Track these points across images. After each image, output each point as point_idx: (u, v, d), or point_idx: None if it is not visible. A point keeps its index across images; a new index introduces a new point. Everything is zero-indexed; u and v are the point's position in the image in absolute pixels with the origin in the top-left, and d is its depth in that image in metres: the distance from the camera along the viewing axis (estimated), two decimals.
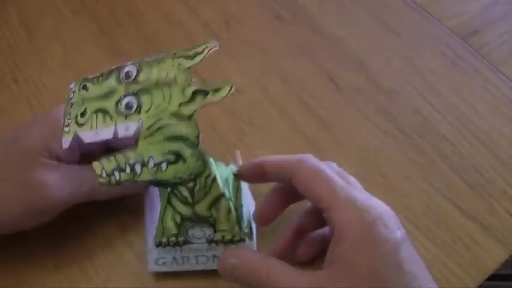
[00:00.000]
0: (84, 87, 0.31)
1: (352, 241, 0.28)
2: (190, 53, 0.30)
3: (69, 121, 0.32)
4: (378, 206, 0.30)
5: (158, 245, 0.34)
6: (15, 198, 0.32)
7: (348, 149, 0.42)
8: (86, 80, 0.31)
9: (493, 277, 0.36)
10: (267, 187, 0.37)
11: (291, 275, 0.29)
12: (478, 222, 0.38)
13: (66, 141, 0.32)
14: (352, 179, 0.33)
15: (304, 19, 0.50)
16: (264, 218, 0.34)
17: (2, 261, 0.36)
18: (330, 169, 0.31)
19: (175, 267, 0.35)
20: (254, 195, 0.39)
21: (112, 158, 0.30)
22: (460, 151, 0.42)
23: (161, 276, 0.35)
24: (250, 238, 0.35)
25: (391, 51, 0.48)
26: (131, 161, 0.30)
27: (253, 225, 0.36)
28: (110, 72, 0.31)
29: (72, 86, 0.32)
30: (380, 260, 0.28)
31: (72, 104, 0.32)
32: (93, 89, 0.31)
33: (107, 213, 0.38)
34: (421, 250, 0.37)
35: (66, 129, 0.32)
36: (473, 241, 0.37)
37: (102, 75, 0.31)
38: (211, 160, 0.32)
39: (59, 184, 0.32)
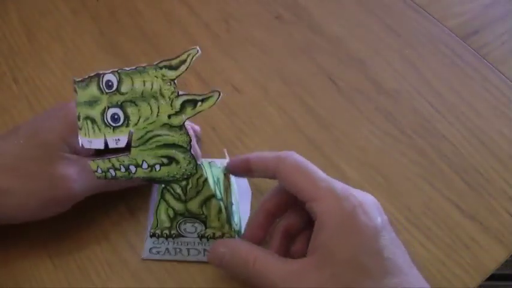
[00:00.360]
0: (75, 90, 0.31)
1: (333, 229, 0.29)
2: (174, 62, 0.29)
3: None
4: (359, 194, 0.30)
5: (152, 235, 0.35)
6: (38, 192, 0.33)
7: (348, 149, 0.42)
8: (75, 82, 0.31)
9: (493, 277, 0.36)
10: (266, 184, 0.37)
11: (275, 263, 0.30)
12: (478, 222, 0.38)
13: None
14: None
15: (304, 19, 0.50)
16: (253, 240, 0.34)
17: (2, 261, 0.36)
18: (311, 163, 0.32)
19: (167, 257, 0.36)
20: (254, 194, 0.39)
21: (107, 160, 0.31)
22: (460, 151, 0.42)
23: (161, 276, 0.36)
24: (240, 235, 0.35)
25: (391, 51, 0.48)
26: (125, 163, 0.31)
27: (243, 222, 0.36)
28: (90, 79, 0.30)
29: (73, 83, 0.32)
30: (360, 246, 0.28)
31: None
32: (80, 94, 0.31)
33: (108, 212, 0.38)
34: (421, 250, 0.37)
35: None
36: (473, 241, 0.37)
37: (83, 80, 0.30)
38: (204, 163, 0.33)
39: (78, 177, 0.34)
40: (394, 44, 0.48)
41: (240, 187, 0.38)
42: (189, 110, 0.30)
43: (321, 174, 0.31)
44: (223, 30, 0.49)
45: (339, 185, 0.31)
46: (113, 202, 0.38)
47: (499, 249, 0.37)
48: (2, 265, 0.36)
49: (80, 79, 0.31)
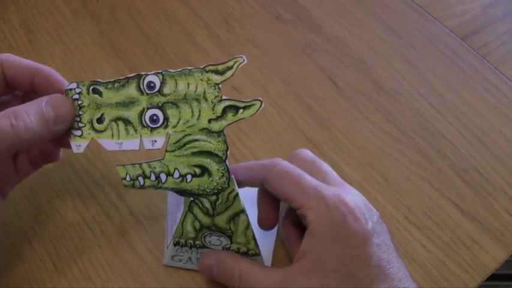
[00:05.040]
0: (96, 91, 0.31)
1: (324, 238, 0.29)
2: (221, 67, 0.30)
3: (81, 125, 0.31)
4: (349, 200, 0.30)
5: (176, 244, 0.34)
6: None
7: (348, 149, 0.42)
8: (96, 83, 0.31)
9: (493, 277, 0.36)
10: None
11: (262, 274, 0.30)
12: (478, 222, 0.38)
13: (77, 146, 0.31)
14: (325, 167, 0.33)
15: (304, 19, 0.50)
16: (267, 224, 0.34)
17: (2, 261, 0.36)
18: (298, 169, 0.32)
19: (188, 266, 0.35)
20: None
21: (138, 165, 0.31)
22: (460, 151, 0.42)
23: (162, 276, 0.36)
24: (259, 253, 0.34)
25: (391, 51, 0.48)
26: (157, 170, 0.31)
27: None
28: (128, 80, 0.30)
29: (73, 86, 0.31)
30: (347, 254, 0.29)
31: (80, 107, 0.31)
32: (109, 95, 0.31)
33: (108, 213, 0.38)
34: (421, 250, 0.37)
35: (76, 132, 0.31)
36: (473, 241, 0.37)
37: (117, 81, 0.30)
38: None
39: None
40: (394, 44, 0.48)
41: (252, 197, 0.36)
42: (230, 116, 0.30)
43: (309, 180, 0.31)
44: (223, 30, 0.49)
45: (328, 191, 0.30)
46: (113, 202, 0.38)
47: (499, 249, 0.37)
48: (2, 266, 0.36)
49: (110, 80, 0.31)
